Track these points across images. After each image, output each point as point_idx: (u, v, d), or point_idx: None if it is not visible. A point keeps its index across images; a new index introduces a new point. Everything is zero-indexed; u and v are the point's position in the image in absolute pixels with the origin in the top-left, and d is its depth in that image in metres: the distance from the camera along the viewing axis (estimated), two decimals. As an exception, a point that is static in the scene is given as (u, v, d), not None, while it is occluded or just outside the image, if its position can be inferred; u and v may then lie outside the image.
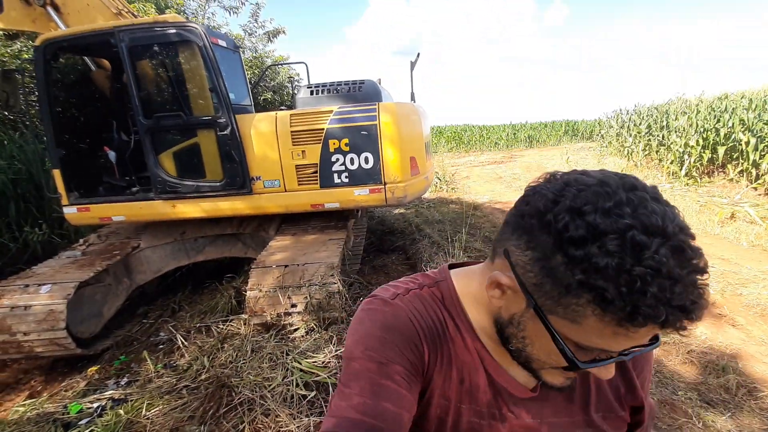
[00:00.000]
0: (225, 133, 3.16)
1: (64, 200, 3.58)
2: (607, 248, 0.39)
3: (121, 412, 2.44)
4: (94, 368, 3.20)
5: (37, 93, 3.79)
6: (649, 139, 9.54)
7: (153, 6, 7.34)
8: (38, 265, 3.52)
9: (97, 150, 3.79)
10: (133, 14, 4.14)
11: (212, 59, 3.04)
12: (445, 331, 0.61)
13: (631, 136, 10.49)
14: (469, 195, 7.82)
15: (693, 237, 0.42)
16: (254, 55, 9.59)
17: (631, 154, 10.06)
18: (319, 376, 2.46)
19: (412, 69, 4.17)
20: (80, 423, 2.52)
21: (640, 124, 10.37)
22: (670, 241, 0.40)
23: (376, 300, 0.61)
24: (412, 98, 4.29)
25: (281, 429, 2.12)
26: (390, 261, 4.56)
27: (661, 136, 9.07)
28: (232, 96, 3.47)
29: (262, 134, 3.22)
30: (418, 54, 4.13)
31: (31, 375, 3.31)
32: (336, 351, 2.68)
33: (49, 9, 3.63)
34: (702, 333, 2.79)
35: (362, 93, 3.43)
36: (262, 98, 8.09)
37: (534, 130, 20.97)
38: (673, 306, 0.39)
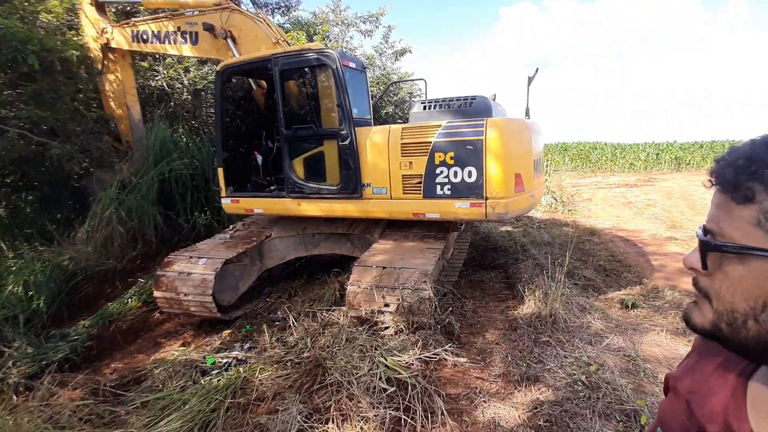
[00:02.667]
0: (345, 143, 3.58)
1: (223, 193, 4.48)
2: None
3: (241, 370, 2.96)
4: (227, 331, 3.91)
5: (213, 107, 4.81)
6: None
7: (304, 34, 8.58)
8: (200, 242, 4.46)
9: (250, 154, 4.65)
10: (287, 42, 4.97)
11: (342, 80, 3.49)
12: None
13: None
14: (588, 219, 7.09)
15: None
16: (383, 72, 10.41)
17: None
18: (401, 374, 2.60)
19: (529, 84, 4.08)
20: (213, 372, 3.14)
21: None
22: None
23: None
24: (527, 114, 4.18)
25: (361, 414, 2.32)
26: (488, 278, 4.48)
27: None
28: (355, 111, 3.90)
29: (376, 145, 3.55)
30: (537, 69, 4.01)
31: (185, 329, 4.20)
32: (420, 354, 2.80)
33: (229, 40, 4.61)
34: None
35: (473, 109, 3.50)
36: (384, 112, 8.72)
37: (684, 150, 17.66)
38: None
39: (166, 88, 7.32)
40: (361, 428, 2.25)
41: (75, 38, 5.69)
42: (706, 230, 0.48)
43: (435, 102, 3.71)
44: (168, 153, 5.70)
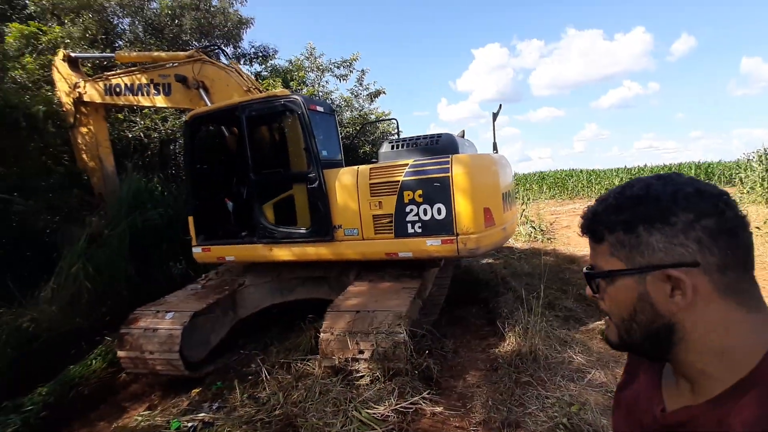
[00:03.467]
0: (314, 186, 3.56)
1: (193, 242, 4.36)
2: None
3: (206, 434, 2.74)
4: (196, 390, 3.67)
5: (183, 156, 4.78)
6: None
7: (280, 81, 8.81)
8: (169, 295, 4.28)
9: (221, 201, 4.58)
10: (259, 90, 5.06)
11: (308, 124, 3.53)
12: None
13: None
14: (567, 246, 7.11)
15: (616, 193, 0.61)
16: (360, 113, 10.70)
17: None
18: (376, 429, 2.43)
19: (494, 120, 4.19)
20: (176, 438, 2.90)
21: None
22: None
23: None
24: (495, 149, 4.26)
25: (332, 478, 2.14)
26: (469, 313, 4.37)
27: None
28: (324, 153, 3.92)
29: (345, 186, 3.54)
30: (500, 105, 4.15)
31: (153, 389, 3.93)
32: (396, 405, 2.64)
33: (201, 90, 4.68)
34: None
35: (439, 146, 3.55)
36: (361, 151, 8.85)
37: (653, 174, 18.00)
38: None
39: (143, 139, 7.34)
40: (332, 495, 2.06)
41: (47, 93, 5.71)
42: (591, 266, 0.63)
43: (403, 141, 3.76)
44: (142, 203, 5.60)
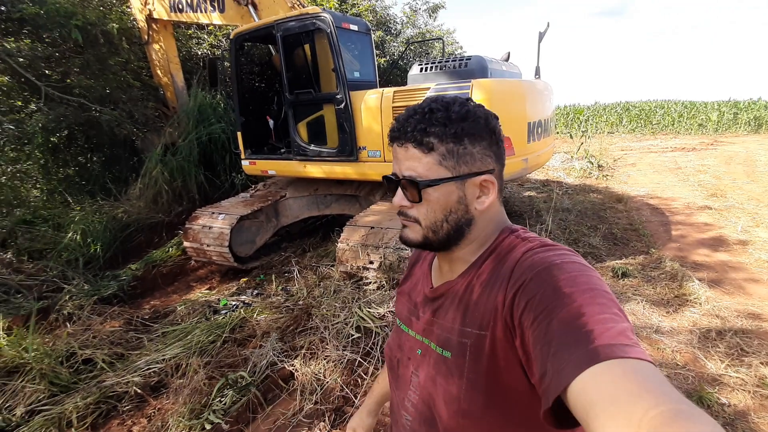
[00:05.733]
0: (340, 107, 3.70)
1: (242, 155, 4.86)
2: None
3: (242, 312, 3.40)
4: (244, 279, 4.41)
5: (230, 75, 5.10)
6: None
7: (336, -6, 8.45)
8: (224, 200, 4.94)
9: (266, 118, 4.94)
10: (303, 5, 5.05)
11: (336, 44, 3.56)
12: None
13: None
14: (623, 185, 6.57)
15: (436, 110, 0.66)
16: (420, 30, 10.08)
17: None
18: (370, 324, 2.85)
19: (539, 41, 3.84)
20: (223, 312, 3.63)
21: None
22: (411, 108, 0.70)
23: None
24: (537, 73, 3.97)
25: (325, 354, 2.63)
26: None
27: None
28: (356, 74, 3.97)
29: (370, 109, 3.64)
30: (548, 24, 3.75)
31: (214, 275, 4.78)
32: (393, 308, 3.02)
33: (250, 7, 4.80)
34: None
35: (467, 69, 3.42)
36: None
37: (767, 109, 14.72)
38: (391, 129, 0.70)
39: (209, 56, 7.78)
40: (323, 366, 2.56)
41: (126, 8, 6.21)
42: (408, 177, 0.67)
43: (431, 63, 3.66)
44: (207, 118, 6.19)
